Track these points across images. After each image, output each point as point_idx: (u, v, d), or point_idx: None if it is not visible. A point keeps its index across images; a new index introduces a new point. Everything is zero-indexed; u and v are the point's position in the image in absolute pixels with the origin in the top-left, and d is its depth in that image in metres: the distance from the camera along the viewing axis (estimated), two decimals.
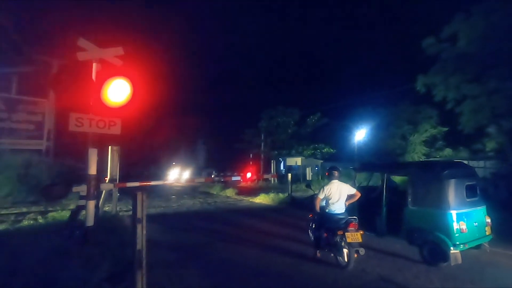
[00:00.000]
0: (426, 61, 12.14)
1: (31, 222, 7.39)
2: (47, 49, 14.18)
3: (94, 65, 5.37)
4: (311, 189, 6.43)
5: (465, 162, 9.02)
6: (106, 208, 8.97)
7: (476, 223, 4.89)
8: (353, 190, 5.09)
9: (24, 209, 9.32)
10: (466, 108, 11.38)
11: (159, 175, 25.99)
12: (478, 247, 4.88)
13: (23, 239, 5.66)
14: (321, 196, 4.97)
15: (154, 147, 38.36)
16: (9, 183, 10.38)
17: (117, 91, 4.92)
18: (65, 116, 5.00)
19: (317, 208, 5.04)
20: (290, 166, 24.23)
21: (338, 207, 4.92)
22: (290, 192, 12.22)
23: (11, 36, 14.19)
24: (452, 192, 4.73)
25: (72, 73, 5.19)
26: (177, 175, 18.56)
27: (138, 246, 3.09)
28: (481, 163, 16.09)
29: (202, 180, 16.24)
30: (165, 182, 10.66)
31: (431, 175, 5.09)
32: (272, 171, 21.11)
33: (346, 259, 4.57)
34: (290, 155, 25.57)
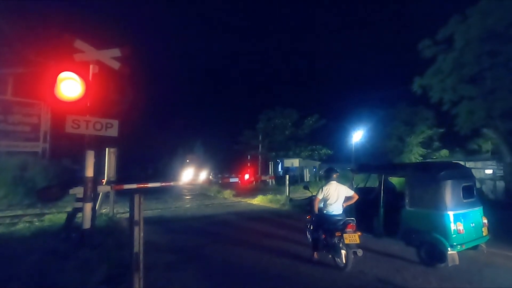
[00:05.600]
0: (423, 63, 12.24)
1: (27, 224, 7.31)
2: (44, 50, 14.11)
3: (91, 66, 5.36)
4: (309, 190, 6.43)
5: (462, 163, 9.07)
6: (103, 210, 8.92)
7: (473, 224, 4.91)
8: (350, 192, 5.10)
9: (20, 212, 9.24)
10: (463, 109, 11.47)
11: (166, 176, 25.26)
12: (475, 247, 4.90)
13: (19, 242, 5.61)
14: (319, 197, 4.97)
15: (152, 148, 38.26)
16: (4, 186, 10.29)
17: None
18: (62, 118, 4.97)
19: (316, 209, 5.03)
20: (288, 167, 24.26)
21: (336, 208, 4.93)
22: (287, 193, 12.21)
23: (8, 37, 14.11)
24: (449, 193, 4.75)
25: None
26: (192, 175, 18.01)
27: (135, 249, 3.07)
28: (479, 164, 16.19)
29: (199, 181, 16.18)
30: (163, 184, 10.55)
31: (428, 176, 5.11)
32: (270, 173, 21.10)
33: (344, 260, 4.57)
34: (288, 156, 25.58)
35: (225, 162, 32.50)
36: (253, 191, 15.55)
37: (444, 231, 4.60)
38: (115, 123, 5.37)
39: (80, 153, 5.42)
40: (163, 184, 10.56)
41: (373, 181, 7.52)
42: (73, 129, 4.94)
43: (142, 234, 3.12)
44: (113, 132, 5.36)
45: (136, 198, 3.12)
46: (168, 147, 40.47)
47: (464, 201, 4.91)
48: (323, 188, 4.99)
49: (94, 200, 5.62)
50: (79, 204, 5.58)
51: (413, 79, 12.67)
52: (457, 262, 4.47)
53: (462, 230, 4.63)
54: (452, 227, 4.58)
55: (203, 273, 4.62)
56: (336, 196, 4.91)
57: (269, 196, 12.87)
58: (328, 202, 4.93)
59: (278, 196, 12.64)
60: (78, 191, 5.91)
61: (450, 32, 11.09)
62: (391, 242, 5.66)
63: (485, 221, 5.12)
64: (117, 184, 8.74)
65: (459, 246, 4.54)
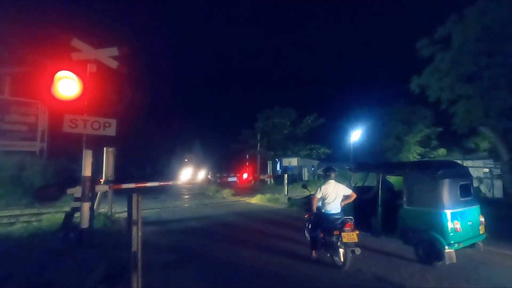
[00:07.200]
0: (421, 62, 12.27)
1: (25, 224, 7.28)
2: (41, 50, 14.02)
3: (88, 65, 5.34)
4: (307, 189, 6.44)
5: (459, 161, 9.11)
6: (101, 210, 8.89)
7: (470, 222, 4.94)
8: (349, 191, 5.12)
9: (18, 212, 9.19)
10: (460, 108, 11.51)
11: (165, 175, 25.11)
12: (472, 246, 4.93)
13: (17, 242, 5.59)
14: (318, 196, 4.98)
15: (150, 148, 38.18)
16: (2, 185, 10.25)
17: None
18: (60, 117, 4.96)
19: (314, 208, 5.05)
20: (286, 166, 24.27)
21: (334, 207, 4.94)
22: (286, 192, 12.24)
23: (5, 36, 14.03)
24: (447, 191, 4.77)
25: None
26: (190, 175, 18.02)
27: (134, 248, 3.07)
28: (477, 163, 16.25)
29: (198, 181, 16.16)
30: (161, 183, 10.54)
31: (425, 175, 5.13)
32: (269, 172, 21.13)
33: (342, 259, 4.59)
34: (286, 155, 25.61)
35: (224, 161, 32.49)
36: (252, 190, 15.57)
37: (441, 229, 4.63)
38: (113, 122, 5.36)
39: (78, 153, 5.40)
40: (161, 183, 10.53)
41: (371, 180, 7.56)
42: (71, 129, 4.93)
43: (140, 234, 3.12)
44: (111, 131, 5.35)
45: (134, 197, 3.11)
46: (167, 146, 40.41)
47: (462, 199, 4.93)
48: (322, 187, 5.00)
49: (92, 199, 5.62)
50: (77, 204, 5.57)
51: (411, 78, 12.70)
52: (454, 260, 4.49)
53: (460, 228, 4.66)
54: (450, 225, 4.60)
55: (201, 273, 4.62)
56: (334, 195, 4.92)
57: (268, 195, 12.89)
58: (326, 201, 4.94)
59: (277, 195, 12.67)
60: (76, 190, 5.89)
61: (447, 32, 11.12)
62: (389, 241, 5.68)
63: (482, 219, 5.15)
64: (115, 183, 8.72)
65: (456, 245, 4.57)
